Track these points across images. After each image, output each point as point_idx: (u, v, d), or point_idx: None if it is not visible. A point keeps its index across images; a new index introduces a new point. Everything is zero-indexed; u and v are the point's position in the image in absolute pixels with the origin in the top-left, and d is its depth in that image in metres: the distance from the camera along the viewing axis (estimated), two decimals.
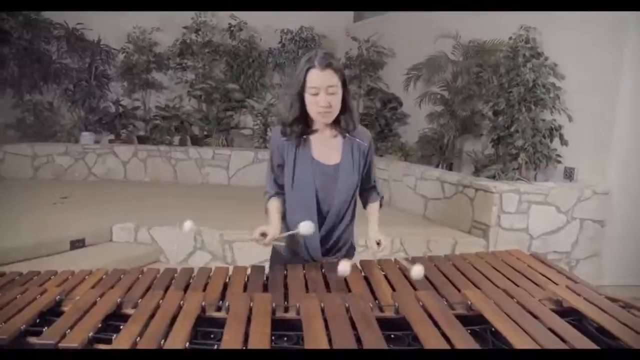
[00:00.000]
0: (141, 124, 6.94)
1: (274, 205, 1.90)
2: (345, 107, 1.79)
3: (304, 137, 1.83)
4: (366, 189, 2.00)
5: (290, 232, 1.83)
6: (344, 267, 1.61)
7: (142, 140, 6.73)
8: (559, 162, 4.38)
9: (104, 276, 1.75)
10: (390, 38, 6.58)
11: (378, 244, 1.76)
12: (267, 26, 6.94)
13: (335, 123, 1.82)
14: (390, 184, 5.20)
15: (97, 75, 6.71)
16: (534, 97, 4.25)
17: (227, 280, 1.72)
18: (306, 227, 1.75)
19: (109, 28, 6.66)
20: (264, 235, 1.76)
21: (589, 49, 4.12)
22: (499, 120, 4.43)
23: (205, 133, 6.91)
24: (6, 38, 6.26)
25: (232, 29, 6.86)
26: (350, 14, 7.37)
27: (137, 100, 6.91)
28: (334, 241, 1.93)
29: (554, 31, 4.35)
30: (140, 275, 1.76)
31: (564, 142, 4.29)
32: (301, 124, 1.81)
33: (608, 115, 4.08)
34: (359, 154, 1.87)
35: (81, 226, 4.04)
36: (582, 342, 1.31)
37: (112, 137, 6.76)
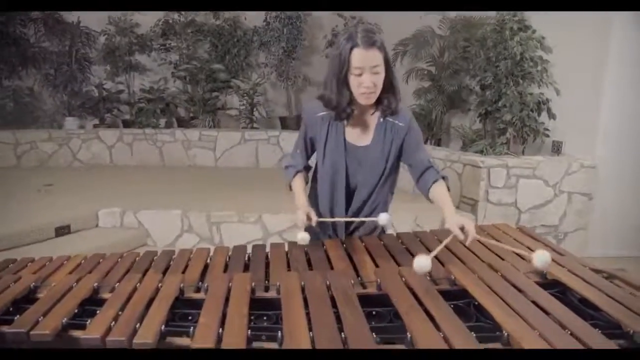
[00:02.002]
0: (126, 107, 6.80)
1: (299, 184, 1.86)
2: (389, 86, 1.71)
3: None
4: (419, 170, 1.81)
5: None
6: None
7: (127, 124, 6.61)
8: (547, 136, 4.36)
9: (82, 261, 1.72)
10: (376, 14, 6.46)
11: (462, 229, 1.54)
12: None
13: (378, 103, 1.73)
14: None
15: (78, 58, 6.54)
16: (521, 70, 4.21)
17: (208, 261, 1.70)
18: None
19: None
20: (309, 218, 1.72)
21: (576, 21, 4.06)
22: (487, 95, 4.39)
23: (191, 115, 6.80)
24: None
25: None
26: None
27: (120, 83, 6.76)
28: (362, 221, 1.90)
29: None
30: (119, 259, 1.73)
31: (551, 116, 4.27)
32: (351, 106, 1.72)
33: (595, 88, 4.06)
34: (392, 135, 1.78)
35: (66, 213, 3.98)
36: (564, 314, 1.30)
37: (96, 121, 6.64)
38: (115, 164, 6.21)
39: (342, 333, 1.13)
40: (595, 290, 1.46)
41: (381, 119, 1.78)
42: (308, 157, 1.91)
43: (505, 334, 1.19)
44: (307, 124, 1.85)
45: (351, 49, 1.61)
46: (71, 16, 6.51)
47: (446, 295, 1.42)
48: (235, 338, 1.09)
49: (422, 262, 1.39)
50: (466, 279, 1.49)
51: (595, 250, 4.18)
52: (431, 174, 1.79)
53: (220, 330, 1.13)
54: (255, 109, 6.55)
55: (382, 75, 1.66)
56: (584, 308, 1.40)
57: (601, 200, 4.20)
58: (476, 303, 1.38)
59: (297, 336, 1.09)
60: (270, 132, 6.31)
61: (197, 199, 4.37)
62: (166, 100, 6.45)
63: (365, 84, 1.63)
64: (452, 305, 1.37)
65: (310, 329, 1.13)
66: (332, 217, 1.88)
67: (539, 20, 4.28)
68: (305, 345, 1.06)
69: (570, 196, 4.17)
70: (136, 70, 6.77)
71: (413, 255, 1.72)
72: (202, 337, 1.10)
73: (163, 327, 1.16)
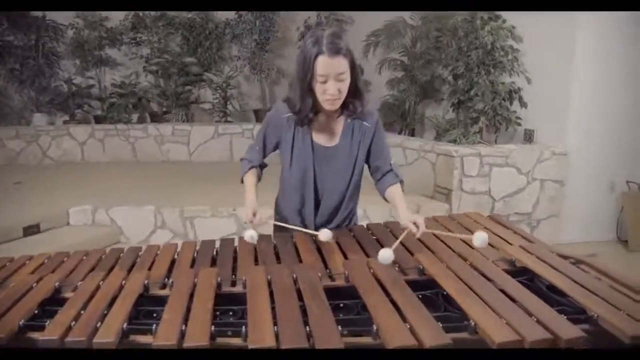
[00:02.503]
0: (97, 103, 6.66)
1: (251, 180, 1.82)
2: (354, 91, 1.69)
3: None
4: (381, 172, 1.85)
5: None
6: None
7: (99, 120, 6.48)
8: (519, 124, 4.42)
9: (46, 260, 1.67)
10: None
11: (415, 224, 1.58)
12: None
13: (343, 107, 1.72)
14: None
15: (45, 53, 6.35)
16: (492, 60, 4.25)
17: (175, 257, 1.67)
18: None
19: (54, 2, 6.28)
20: (254, 215, 1.68)
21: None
22: (459, 84, 4.43)
23: (164, 109, 6.69)
24: None
25: None
26: None
27: (91, 78, 6.61)
28: (333, 221, 1.89)
29: None
30: (84, 257, 1.68)
31: (523, 105, 4.32)
32: (313, 111, 1.71)
33: (565, 76, 4.12)
34: (361, 136, 1.79)
35: (35, 211, 3.88)
36: (531, 301, 1.32)
37: (66, 117, 6.48)
38: (87, 161, 6.07)
39: (308, 327, 1.12)
40: (562, 276, 1.48)
41: (348, 120, 1.78)
42: (265, 156, 1.88)
43: (472, 323, 1.20)
44: (271, 124, 1.82)
45: (316, 56, 1.57)
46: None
47: (414, 285, 1.42)
48: (198, 334, 1.07)
49: (385, 254, 1.42)
50: (434, 268, 1.49)
51: (568, 236, 4.26)
52: (391, 177, 1.84)
53: (184, 326, 1.11)
54: (228, 103, 6.48)
55: (348, 81, 1.64)
56: (551, 294, 1.42)
57: (572, 187, 4.29)
58: (444, 293, 1.39)
59: (260, 330, 1.08)
60: (244, 126, 6.25)
61: (170, 194, 4.31)
62: (138, 94, 6.34)
63: (329, 91, 1.60)
64: (420, 296, 1.37)
65: (275, 323, 1.12)
66: (302, 221, 1.87)
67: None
68: (269, 339, 1.04)
69: (542, 184, 4.24)
70: (107, 65, 6.63)
71: (383, 246, 1.74)
72: (164, 334, 1.08)
73: (125, 325, 1.14)
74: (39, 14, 6.29)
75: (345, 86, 1.63)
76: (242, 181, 1.85)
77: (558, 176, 4.23)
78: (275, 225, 1.85)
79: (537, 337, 1.15)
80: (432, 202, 4.20)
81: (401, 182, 1.84)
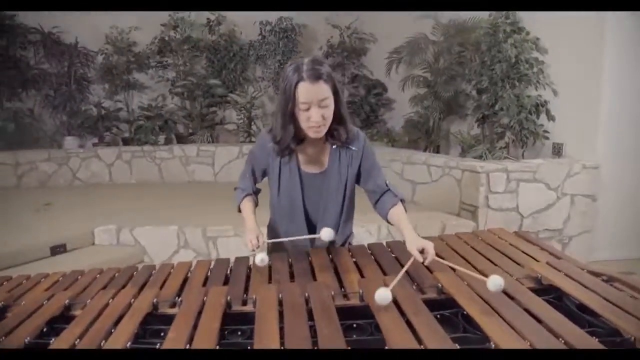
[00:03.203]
0: (125, 125, 6.82)
1: (249, 207, 1.82)
2: (338, 118, 1.66)
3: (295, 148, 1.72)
4: (377, 194, 1.78)
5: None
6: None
7: (127, 142, 6.61)
8: (547, 138, 4.30)
9: (60, 278, 1.67)
10: (371, 23, 6.47)
11: (422, 252, 1.49)
12: (246, 19, 6.81)
13: (328, 135, 1.69)
14: None
15: (76, 78, 6.57)
16: (517, 73, 4.16)
17: (188, 275, 1.64)
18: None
19: (86, 30, 6.52)
20: (257, 239, 1.68)
21: (571, 20, 4.02)
22: (483, 99, 4.34)
23: (190, 131, 6.80)
24: None
25: (210, 23, 6.72)
26: None
27: (119, 101, 6.78)
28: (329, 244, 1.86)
29: None
30: (98, 275, 1.68)
31: (550, 118, 4.20)
32: (295, 140, 1.68)
33: (594, 87, 4.00)
34: (348, 159, 1.75)
35: (63, 231, 3.95)
36: (559, 321, 1.23)
37: (95, 140, 6.65)
38: (115, 182, 6.19)
39: (316, 347, 1.06)
40: (594, 294, 1.39)
41: (334, 146, 1.74)
42: (256, 183, 1.87)
43: (492, 344, 1.12)
44: (257, 154, 1.80)
45: (297, 83, 1.55)
46: (69, 37, 6.56)
47: (433, 304, 1.35)
48: None
49: (382, 295, 1.27)
50: (454, 287, 1.42)
51: (602, 253, 4.08)
52: (389, 197, 1.76)
53: (188, 346, 1.07)
54: (253, 123, 6.54)
55: (332, 107, 1.61)
56: (581, 314, 1.33)
57: (605, 201, 4.11)
58: (464, 312, 1.32)
59: None
60: None
61: (194, 214, 4.33)
62: (164, 117, 6.45)
63: (313, 118, 1.57)
64: (438, 315, 1.30)
65: (282, 344, 1.07)
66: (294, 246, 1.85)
67: (533, 22, 4.24)
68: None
69: (573, 199, 4.08)
70: (134, 88, 6.80)
71: (401, 264, 1.67)
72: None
73: (129, 344, 1.11)
74: (72, 40, 6.53)
75: (329, 112, 1.61)
76: (239, 210, 1.85)
77: (589, 191, 4.07)
78: (271, 245, 1.84)
79: None
80: (458, 220, 4.09)
81: (402, 200, 1.76)
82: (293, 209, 1.79)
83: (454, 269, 1.52)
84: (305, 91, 1.55)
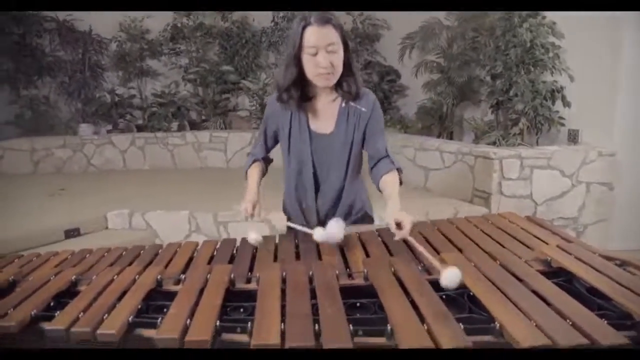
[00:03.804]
0: (138, 112, 6.86)
1: (254, 174, 1.80)
2: (347, 69, 1.62)
3: (301, 104, 1.68)
4: (374, 159, 1.75)
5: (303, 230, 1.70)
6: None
7: (140, 128, 6.66)
8: (562, 124, 4.21)
9: (69, 256, 1.69)
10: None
11: (398, 225, 1.42)
12: None
13: (338, 86, 1.66)
14: None
15: (91, 66, 6.62)
16: (532, 58, 4.07)
17: (194, 254, 1.65)
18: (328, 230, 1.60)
19: (100, 18, 6.53)
20: (254, 208, 1.68)
21: None
22: (497, 85, 4.26)
23: (202, 117, 6.82)
24: None
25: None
26: None
27: (132, 88, 6.82)
28: (338, 211, 1.81)
29: None
30: (106, 254, 1.69)
31: (566, 104, 4.11)
32: (298, 90, 1.64)
33: (611, 73, 3.90)
34: (356, 120, 1.70)
35: (77, 216, 4.00)
36: (567, 303, 1.21)
37: (110, 127, 6.71)
38: (128, 168, 6.25)
39: (317, 325, 1.06)
40: (605, 278, 1.36)
41: (343, 104, 1.70)
42: (268, 150, 1.86)
43: (497, 325, 1.11)
44: (269, 115, 1.79)
45: (304, 27, 1.53)
46: (83, 25, 6.60)
47: (439, 285, 1.33)
48: (201, 329, 1.04)
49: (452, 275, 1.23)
50: (460, 267, 1.39)
51: (619, 242, 4.00)
52: (385, 163, 1.72)
53: (189, 321, 1.07)
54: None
55: (340, 55, 1.57)
56: (592, 297, 1.30)
57: (622, 189, 4.03)
58: (470, 293, 1.30)
59: (266, 327, 1.03)
60: None
61: (206, 199, 4.35)
62: (177, 103, 6.48)
63: (322, 64, 1.54)
64: (443, 296, 1.29)
65: (283, 321, 1.07)
66: (302, 211, 1.85)
67: None
68: (274, 336, 0.99)
69: (588, 186, 4.00)
70: (147, 75, 6.82)
71: (408, 246, 1.65)
72: (168, 328, 1.05)
73: (131, 318, 1.11)
74: (86, 28, 6.57)
75: (338, 59, 1.57)
76: (245, 176, 1.83)
77: (606, 178, 3.98)
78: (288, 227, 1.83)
79: (571, 342, 1.05)
80: (470, 207, 4.04)
81: (399, 170, 1.72)
82: (303, 168, 1.76)
83: (412, 250, 1.50)
84: (313, 34, 1.52)
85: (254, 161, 1.83)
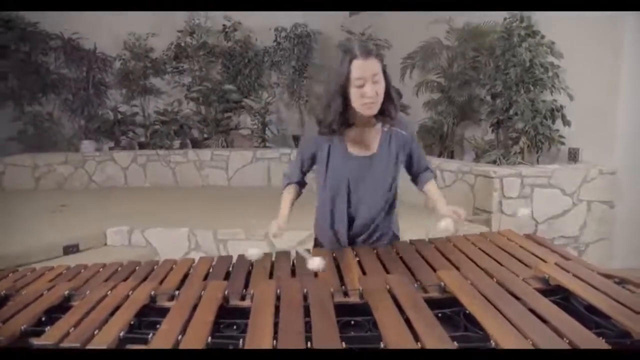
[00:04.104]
0: (141, 130, 6.91)
1: (287, 197, 1.87)
2: (387, 95, 1.71)
3: (343, 132, 1.76)
4: (420, 172, 1.96)
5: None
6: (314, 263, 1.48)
7: (142, 146, 6.70)
8: (562, 143, 4.21)
9: (64, 271, 1.68)
10: (386, 29, 6.44)
11: (456, 213, 1.73)
12: (261, 25, 6.86)
13: (379, 113, 1.73)
14: None
15: (94, 83, 6.71)
16: (532, 77, 4.10)
17: (190, 271, 1.64)
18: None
19: (105, 36, 6.65)
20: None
21: (587, 23, 3.95)
22: (497, 104, 4.28)
23: (205, 136, 6.86)
24: (4, 51, 6.30)
25: (226, 30, 6.80)
26: None
27: (135, 106, 6.89)
28: (369, 232, 1.88)
29: None
30: (101, 269, 1.68)
31: (566, 123, 4.12)
32: (342, 120, 1.72)
33: (611, 91, 3.92)
34: (397, 144, 1.80)
35: (76, 232, 3.99)
36: (564, 321, 1.19)
37: (112, 144, 6.75)
38: (130, 186, 6.26)
39: (310, 342, 1.04)
40: (603, 295, 1.34)
41: (385, 129, 1.79)
42: (303, 172, 1.92)
43: (493, 343, 1.09)
44: (308, 139, 1.88)
45: (351, 60, 1.61)
46: (88, 43, 6.69)
47: (435, 303, 1.32)
48: (192, 345, 1.02)
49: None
50: (457, 286, 1.39)
51: (620, 261, 3.97)
52: (428, 173, 1.95)
53: (180, 337, 1.06)
54: (267, 128, 6.56)
55: (383, 84, 1.66)
56: (590, 315, 1.28)
57: (624, 208, 4.01)
58: (466, 311, 1.28)
59: (257, 344, 1.01)
60: (282, 150, 6.29)
61: (206, 217, 4.35)
62: (180, 122, 6.53)
63: (368, 94, 1.62)
64: (439, 314, 1.27)
65: (276, 338, 1.05)
66: (335, 234, 1.87)
67: (549, 26, 4.17)
68: None
69: (589, 205, 3.98)
70: (150, 93, 6.90)
71: (406, 264, 1.64)
72: (159, 344, 1.04)
73: (122, 333, 1.10)
74: (91, 46, 6.66)
75: (381, 88, 1.65)
76: (281, 197, 1.91)
77: (606, 197, 3.97)
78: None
79: None
80: (471, 226, 4.01)
81: (435, 177, 1.98)
82: (338, 191, 1.81)
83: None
84: (360, 67, 1.61)
85: (288, 184, 1.90)
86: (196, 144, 6.74)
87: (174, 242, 3.92)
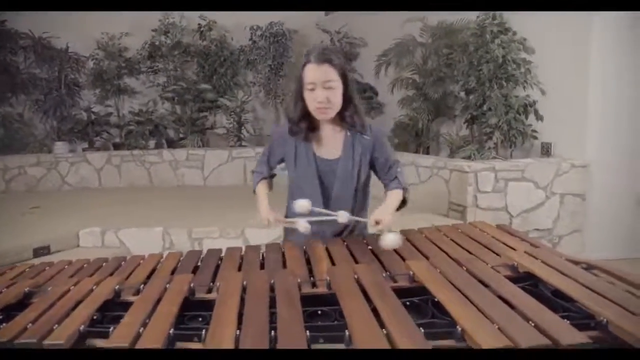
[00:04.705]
0: (116, 130, 6.79)
1: (263, 190, 1.90)
2: (348, 102, 1.73)
3: (309, 134, 1.79)
4: (386, 180, 1.89)
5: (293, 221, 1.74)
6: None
7: (117, 147, 6.59)
8: (535, 138, 4.28)
9: (27, 269, 1.63)
10: (361, 28, 6.48)
11: (377, 222, 1.61)
12: (237, 24, 6.81)
13: (341, 119, 1.77)
14: None
15: (67, 83, 6.55)
16: (504, 73, 4.15)
17: (157, 266, 1.61)
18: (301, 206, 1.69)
19: (77, 35, 6.51)
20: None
21: (557, 20, 4.02)
22: (471, 100, 4.33)
23: (180, 135, 6.77)
24: None
25: (201, 29, 6.72)
26: None
27: (109, 106, 6.76)
28: (342, 231, 1.91)
29: None
30: (66, 266, 1.65)
31: (539, 118, 4.19)
32: (307, 121, 1.77)
33: (582, 86, 3.98)
34: (361, 148, 1.81)
35: (47, 234, 3.91)
36: (531, 306, 1.21)
37: (86, 145, 6.61)
38: (104, 187, 6.15)
39: (273, 332, 1.03)
40: (570, 281, 1.37)
41: (348, 134, 1.80)
42: (271, 168, 1.96)
43: (460, 329, 1.09)
44: (275, 139, 1.90)
45: (304, 65, 1.67)
46: (60, 42, 6.54)
47: (404, 292, 1.33)
48: (153, 337, 1.00)
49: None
50: (426, 275, 1.39)
51: (593, 253, 4.02)
52: (394, 183, 1.85)
53: (142, 329, 1.04)
54: (243, 127, 6.51)
55: (338, 91, 1.68)
56: (556, 300, 1.30)
57: (595, 200, 4.09)
58: (435, 299, 1.29)
59: (220, 334, 0.99)
60: (257, 149, 6.25)
61: (181, 216, 4.30)
62: (155, 121, 6.44)
63: (318, 98, 1.65)
64: (407, 303, 1.27)
65: (239, 328, 1.04)
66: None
67: (520, 23, 4.24)
68: (228, 342, 0.96)
69: (562, 198, 4.06)
70: (125, 93, 6.78)
71: (376, 256, 1.64)
72: (119, 336, 1.01)
73: (82, 327, 1.07)
74: (63, 45, 6.52)
75: (335, 95, 1.68)
76: (254, 192, 1.93)
77: (579, 190, 4.04)
78: (285, 230, 1.95)
79: (533, 342, 1.04)
80: (446, 220, 4.05)
81: (405, 189, 1.84)
82: (310, 193, 1.81)
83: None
84: (311, 72, 1.65)
85: (261, 179, 1.93)
86: (171, 144, 6.65)
87: (148, 241, 3.86)
